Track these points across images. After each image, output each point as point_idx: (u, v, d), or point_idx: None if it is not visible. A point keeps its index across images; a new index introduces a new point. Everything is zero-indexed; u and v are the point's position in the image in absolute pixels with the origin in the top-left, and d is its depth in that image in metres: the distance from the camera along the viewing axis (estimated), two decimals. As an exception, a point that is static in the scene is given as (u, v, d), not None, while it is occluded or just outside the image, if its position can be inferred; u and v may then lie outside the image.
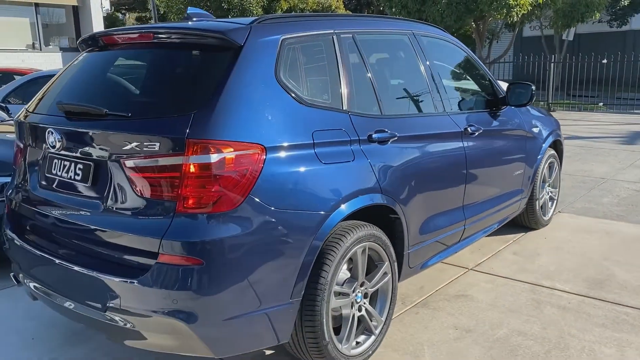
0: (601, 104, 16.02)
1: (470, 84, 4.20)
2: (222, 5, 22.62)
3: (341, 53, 2.96)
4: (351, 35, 3.08)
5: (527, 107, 4.58)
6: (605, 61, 14.82)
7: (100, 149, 2.47)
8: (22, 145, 2.98)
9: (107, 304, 2.40)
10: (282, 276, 2.46)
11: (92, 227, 2.48)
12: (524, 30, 24.96)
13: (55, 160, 2.72)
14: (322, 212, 2.57)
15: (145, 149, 2.31)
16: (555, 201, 5.34)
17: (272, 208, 2.39)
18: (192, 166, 2.25)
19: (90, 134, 2.51)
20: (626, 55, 15.57)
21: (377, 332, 2.99)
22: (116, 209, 2.42)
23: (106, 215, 2.44)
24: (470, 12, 16.68)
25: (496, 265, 4.30)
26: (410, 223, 3.15)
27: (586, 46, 23.05)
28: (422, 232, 3.32)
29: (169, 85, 2.57)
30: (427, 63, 3.60)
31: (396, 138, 3.06)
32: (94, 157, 2.51)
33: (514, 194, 4.44)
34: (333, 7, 22.19)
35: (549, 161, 4.98)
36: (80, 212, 2.55)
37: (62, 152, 2.63)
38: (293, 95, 2.60)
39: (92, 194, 2.53)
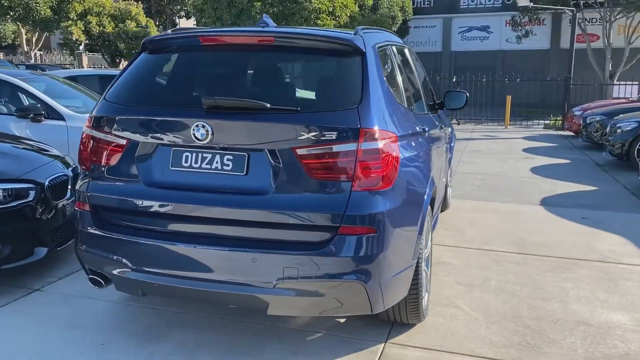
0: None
1: (426, 90, 5.11)
2: (2, 2, 20.20)
3: (395, 60, 3.58)
4: (395, 47, 3.71)
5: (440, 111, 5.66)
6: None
7: (261, 140, 2.70)
8: (119, 142, 2.93)
9: (279, 278, 2.66)
10: (413, 240, 3.01)
11: (258, 211, 2.69)
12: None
13: (187, 154, 2.81)
14: (426, 189, 3.18)
15: (322, 138, 2.64)
16: (450, 187, 6.59)
17: (407, 185, 2.93)
18: (364, 151, 2.67)
19: (249, 126, 2.71)
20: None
21: (428, 289, 3.66)
22: (288, 193, 2.69)
23: (276, 200, 2.68)
24: (281, 28, 17.97)
25: (441, 238, 5.26)
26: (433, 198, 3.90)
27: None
28: (433, 207, 4.10)
29: (319, 83, 2.91)
30: (417, 72, 4.40)
31: (427, 130, 3.79)
32: (251, 147, 2.72)
33: (445, 179, 5.49)
34: (134, 13, 21.51)
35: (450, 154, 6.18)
36: (238, 199, 2.72)
37: (205, 145, 2.75)
38: (392, 93, 3.15)
39: (252, 182, 2.72)
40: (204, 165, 2.79)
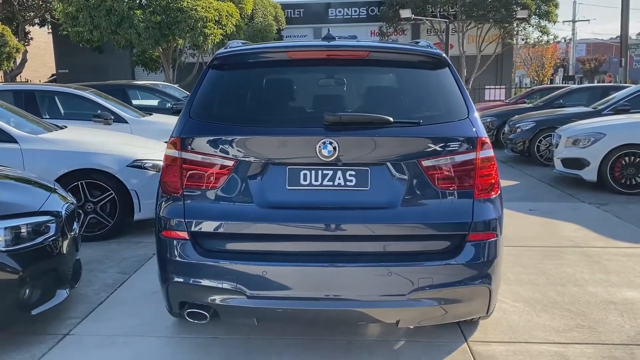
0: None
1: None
2: None
3: None
4: None
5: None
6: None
7: (384, 153, 2.71)
8: (224, 163, 2.74)
9: (412, 290, 2.69)
10: (503, 242, 3.18)
11: (388, 225, 2.69)
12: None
13: (305, 172, 2.72)
14: None
15: (447, 148, 2.73)
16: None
17: (500, 190, 3.10)
18: (482, 159, 2.80)
19: (373, 141, 2.70)
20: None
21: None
22: (416, 204, 2.72)
23: (405, 212, 2.70)
24: (164, 37, 17.33)
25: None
26: None
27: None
28: None
29: (421, 95, 2.95)
30: None
31: None
32: (373, 162, 2.72)
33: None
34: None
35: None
36: (366, 214, 2.69)
37: (326, 162, 2.68)
38: None
39: (376, 196, 2.71)
40: (325, 182, 2.73)
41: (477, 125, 2.84)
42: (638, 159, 7.55)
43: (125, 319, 3.70)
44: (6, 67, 20.45)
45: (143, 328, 3.56)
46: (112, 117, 7.67)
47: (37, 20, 26.79)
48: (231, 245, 2.77)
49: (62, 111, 8.55)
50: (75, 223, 3.91)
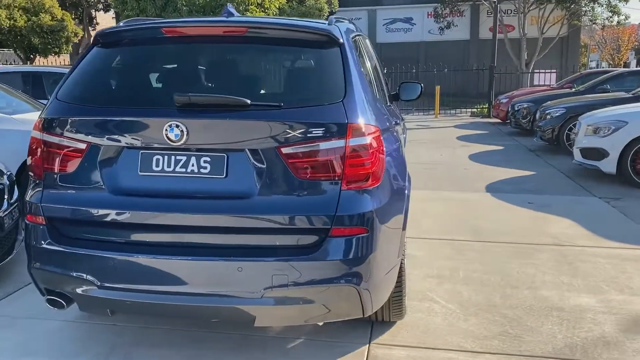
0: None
1: (384, 81, 5.03)
2: None
3: (364, 51, 3.45)
4: (361, 37, 3.59)
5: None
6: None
7: (242, 139, 2.50)
8: (77, 146, 2.63)
9: (266, 287, 2.48)
10: (399, 238, 2.91)
11: (241, 216, 2.50)
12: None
13: (158, 157, 2.56)
14: (406, 184, 3.09)
15: (308, 135, 2.48)
16: (402, 179, 6.59)
17: (392, 181, 2.82)
18: (353, 147, 2.53)
19: (228, 125, 2.50)
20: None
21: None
22: (273, 195, 2.50)
23: (261, 203, 2.49)
24: (207, 20, 17.47)
25: (400, 231, 5.23)
26: None
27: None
28: None
29: (298, 77, 2.73)
30: (377, 63, 4.30)
31: (396, 123, 3.70)
32: (230, 148, 2.51)
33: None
34: (48, 6, 20.18)
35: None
36: (219, 204, 2.51)
37: (178, 147, 2.51)
38: (368, 85, 3.02)
39: (233, 185, 2.52)
40: (178, 169, 2.55)
41: (353, 110, 2.56)
42: (663, 151, 6.83)
43: (43, 301, 3.69)
44: (65, 51, 21.39)
45: (53, 311, 3.51)
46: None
47: (100, 6, 27.83)
48: (82, 233, 2.66)
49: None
50: (4, 201, 3.94)
